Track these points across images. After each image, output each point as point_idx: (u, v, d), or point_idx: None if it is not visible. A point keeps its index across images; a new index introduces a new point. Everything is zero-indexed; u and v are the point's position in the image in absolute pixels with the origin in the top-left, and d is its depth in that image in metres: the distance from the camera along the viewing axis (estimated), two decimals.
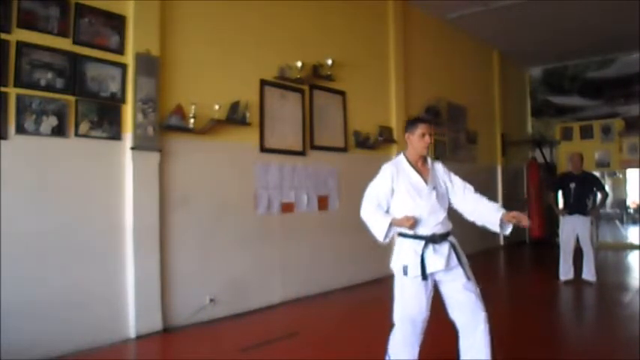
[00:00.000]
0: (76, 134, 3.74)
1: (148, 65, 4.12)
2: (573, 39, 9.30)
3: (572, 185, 6.01)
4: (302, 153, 5.57)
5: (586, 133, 9.97)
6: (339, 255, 5.88)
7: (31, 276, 3.46)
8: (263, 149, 5.14)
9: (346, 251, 6.01)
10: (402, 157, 2.80)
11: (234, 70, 4.89)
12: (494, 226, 2.67)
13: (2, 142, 3.35)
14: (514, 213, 2.60)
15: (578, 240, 5.98)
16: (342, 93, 6.18)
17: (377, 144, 6.54)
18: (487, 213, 2.70)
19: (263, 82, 5.18)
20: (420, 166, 2.77)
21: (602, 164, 9.70)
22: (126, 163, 4.01)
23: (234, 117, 4.76)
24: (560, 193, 6.29)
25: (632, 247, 9.27)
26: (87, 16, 3.83)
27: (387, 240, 2.65)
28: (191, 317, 4.36)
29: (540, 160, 10.50)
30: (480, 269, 7.88)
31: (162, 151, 4.22)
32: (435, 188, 2.72)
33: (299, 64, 5.37)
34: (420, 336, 2.68)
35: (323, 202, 5.81)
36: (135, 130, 4.01)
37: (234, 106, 4.76)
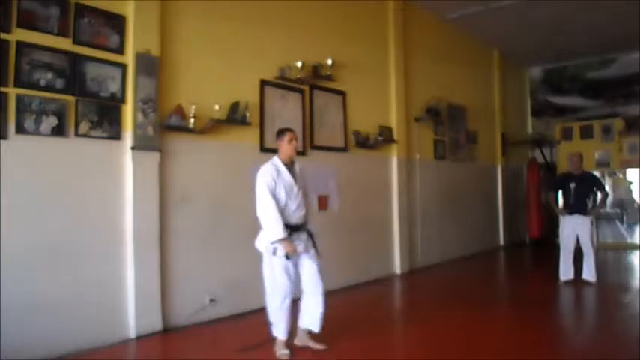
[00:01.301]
0: (76, 134, 3.74)
1: (148, 65, 4.12)
2: (573, 39, 9.30)
3: (572, 185, 6.01)
4: (302, 153, 5.56)
5: (586, 133, 9.95)
6: (339, 255, 5.87)
7: (32, 276, 3.46)
8: (263, 149, 5.14)
9: (346, 251, 6.01)
10: (277, 160, 3.54)
11: (234, 70, 4.89)
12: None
13: (2, 142, 3.35)
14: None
15: (578, 240, 5.99)
16: (342, 93, 6.17)
17: (377, 144, 6.54)
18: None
19: (263, 82, 5.18)
20: (290, 168, 3.55)
21: (602, 164, 9.69)
22: (126, 163, 4.01)
23: (234, 117, 4.76)
24: (560, 193, 6.29)
25: (632, 247, 9.27)
26: (87, 16, 3.83)
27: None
28: (191, 317, 4.36)
29: (540, 160, 10.50)
30: (480, 269, 7.94)
31: (163, 151, 4.22)
32: (300, 189, 3.54)
33: (299, 64, 5.37)
34: (290, 302, 3.46)
35: (323, 202, 5.81)
36: (135, 130, 4.01)
37: (234, 106, 4.76)
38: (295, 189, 3.50)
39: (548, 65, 11.29)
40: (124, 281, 3.96)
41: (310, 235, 3.58)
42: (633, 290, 5.73)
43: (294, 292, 3.51)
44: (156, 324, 4.09)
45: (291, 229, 3.42)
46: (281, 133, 3.62)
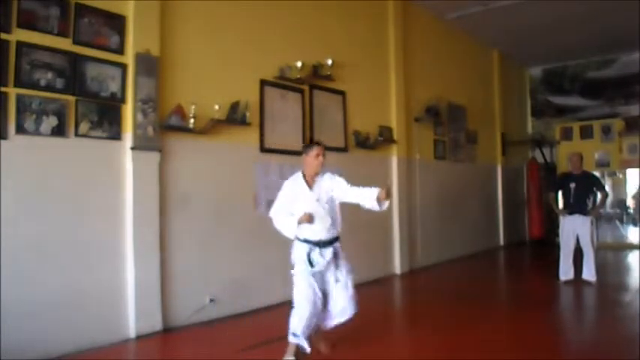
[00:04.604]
0: (76, 134, 3.74)
1: (148, 65, 4.12)
2: (573, 39, 9.31)
3: (572, 185, 6.01)
4: (302, 153, 5.56)
5: (586, 133, 9.96)
6: None
7: (31, 276, 3.46)
8: (263, 149, 5.14)
9: (346, 251, 5.99)
10: (300, 175, 3.42)
11: (234, 70, 4.89)
12: (372, 200, 3.24)
13: (2, 142, 3.35)
14: (384, 189, 3.20)
15: (578, 240, 5.98)
16: (342, 93, 6.17)
17: (377, 144, 6.54)
18: (366, 194, 3.28)
19: (263, 82, 5.18)
20: (312, 179, 3.39)
21: (602, 164, 9.70)
22: (126, 163, 4.01)
23: (234, 117, 4.76)
24: (560, 193, 6.29)
25: (632, 247, 9.28)
26: (87, 16, 3.83)
27: (295, 236, 3.32)
28: (191, 317, 4.36)
29: (540, 160, 10.51)
30: (480, 269, 7.92)
31: (163, 151, 4.22)
32: (327, 203, 3.36)
33: (299, 64, 5.37)
34: (316, 315, 3.30)
35: None
36: (135, 130, 4.01)
37: (234, 106, 4.76)
38: (315, 205, 3.31)
39: (548, 65, 11.29)
40: (124, 281, 3.96)
41: (336, 253, 3.39)
42: (633, 290, 5.72)
43: (319, 306, 3.32)
44: (156, 324, 4.09)
45: (316, 244, 3.29)
46: (308, 147, 3.43)
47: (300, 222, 3.25)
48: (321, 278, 3.34)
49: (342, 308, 3.40)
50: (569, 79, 11.08)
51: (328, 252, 3.32)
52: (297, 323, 3.22)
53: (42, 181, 3.56)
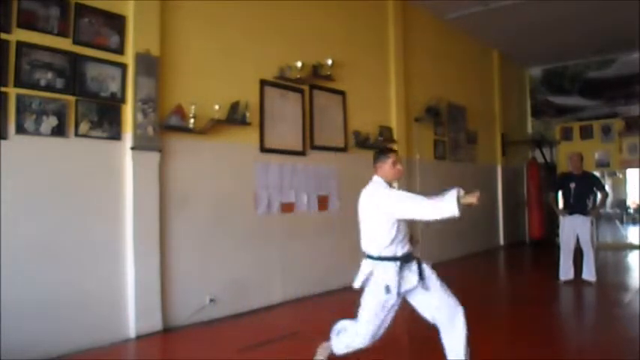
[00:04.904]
0: (76, 134, 3.74)
1: (148, 65, 4.12)
2: (573, 39, 9.30)
3: (572, 185, 6.01)
4: (302, 153, 5.57)
5: (586, 133, 9.96)
6: (339, 255, 5.87)
7: (32, 276, 3.46)
8: (263, 149, 5.14)
9: (346, 251, 5.99)
10: (382, 180, 2.96)
11: (234, 70, 4.89)
12: None
13: (2, 142, 3.35)
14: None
15: (578, 240, 5.98)
16: (342, 93, 6.17)
17: (377, 144, 6.53)
18: None
19: (263, 82, 5.18)
20: None
21: (602, 164, 9.70)
22: (126, 163, 4.01)
23: (234, 117, 4.76)
24: (560, 193, 6.29)
25: (632, 247, 9.27)
26: (87, 16, 3.83)
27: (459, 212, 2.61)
28: (191, 317, 4.36)
29: (540, 160, 10.50)
30: (480, 269, 7.91)
31: (163, 151, 4.22)
32: None
33: (299, 64, 5.37)
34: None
35: (323, 202, 5.81)
36: (135, 130, 4.01)
37: (234, 106, 4.76)
38: None
39: (548, 65, 11.28)
40: (124, 281, 3.96)
41: (420, 264, 2.87)
42: (633, 290, 5.72)
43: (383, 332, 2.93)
44: (156, 324, 4.09)
45: (401, 260, 2.79)
46: (383, 154, 3.05)
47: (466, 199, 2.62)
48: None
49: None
50: (569, 79, 11.08)
51: (414, 265, 2.84)
52: (354, 342, 2.92)
53: (42, 181, 3.56)
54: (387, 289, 2.74)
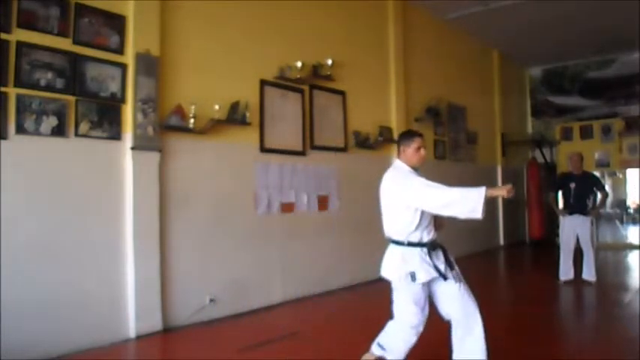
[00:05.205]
0: (76, 134, 3.74)
1: (148, 65, 4.12)
2: (573, 39, 9.30)
3: (572, 185, 6.01)
4: (302, 153, 5.57)
5: (586, 133, 9.96)
6: (339, 255, 5.88)
7: (32, 276, 3.46)
8: (263, 149, 5.14)
9: (346, 251, 6.01)
10: (405, 165, 2.82)
11: (234, 70, 4.89)
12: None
13: (2, 142, 3.35)
14: None
15: (578, 240, 5.98)
16: (342, 93, 6.17)
17: (377, 144, 6.54)
18: None
19: (263, 82, 5.18)
20: None
21: (602, 164, 9.70)
22: (126, 163, 4.01)
23: (234, 117, 4.76)
24: (560, 193, 6.29)
25: (632, 247, 9.27)
26: (87, 16, 3.83)
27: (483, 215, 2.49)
28: (191, 317, 4.36)
29: (540, 160, 10.50)
30: (480, 269, 7.91)
31: (163, 151, 4.22)
32: None
33: (299, 64, 5.37)
34: (417, 334, 2.79)
35: (323, 202, 5.81)
36: (135, 130, 4.01)
37: (234, 106, 4.76)
38: None
39: (548, 65, 11.28)
40: (124, 281, 3.96)
41: (445, 252, 2.80)
42: (633, 290, 5.72)
43: (425, 321, 2.81)
44: (156, 324, 4.09)
45: (428, 246, 2.71)
46: (408, 137, 2.87)
47: (493, 193, 2.54)
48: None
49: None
50: (569, 79, 11.08)
51: (439, 252, 2.78)
52: (395, 344, 2.82)
53: (42, 181, 3.56)
54: (413, 277, 2.65)
